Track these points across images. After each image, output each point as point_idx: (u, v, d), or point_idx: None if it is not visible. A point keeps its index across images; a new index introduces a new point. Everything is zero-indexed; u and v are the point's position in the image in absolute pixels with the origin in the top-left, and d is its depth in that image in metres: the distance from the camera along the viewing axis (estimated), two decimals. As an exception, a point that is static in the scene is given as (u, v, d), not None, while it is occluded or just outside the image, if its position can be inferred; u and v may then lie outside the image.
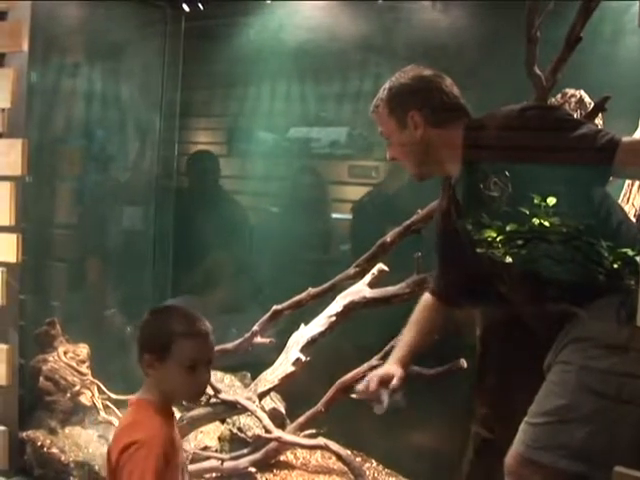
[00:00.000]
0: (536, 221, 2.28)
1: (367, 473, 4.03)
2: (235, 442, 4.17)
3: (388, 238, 3.85)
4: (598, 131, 2.30)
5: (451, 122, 2.61)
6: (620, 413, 2.01)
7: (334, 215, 5.05)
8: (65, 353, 4.16)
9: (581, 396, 2.12)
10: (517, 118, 2.41)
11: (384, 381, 2.78)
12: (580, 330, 2.23)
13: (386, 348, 3.77)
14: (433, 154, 2.62)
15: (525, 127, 2.39)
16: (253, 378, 4.38)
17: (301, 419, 4.00)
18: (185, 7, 5.20)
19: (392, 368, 2.84)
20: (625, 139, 2.21)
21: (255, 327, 4.29)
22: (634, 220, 2.92)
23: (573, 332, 2.25)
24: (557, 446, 2.11)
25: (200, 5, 5.17)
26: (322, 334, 4.03)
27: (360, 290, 3.98)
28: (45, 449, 3.84)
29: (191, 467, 3.81)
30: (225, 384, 4.39)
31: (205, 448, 4.03)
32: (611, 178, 2.48)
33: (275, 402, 4.34)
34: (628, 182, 3.10)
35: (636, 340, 1.98)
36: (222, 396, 3.89)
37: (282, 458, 4.15)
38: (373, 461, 4.23)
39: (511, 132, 2.42)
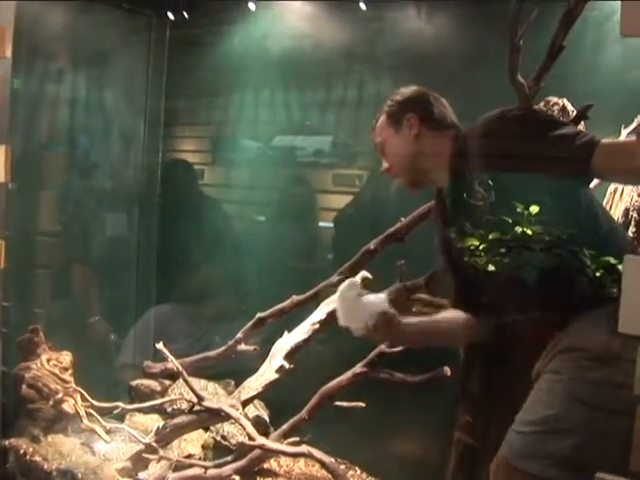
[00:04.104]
0: (519, 229, 2.29)
1: (351, 481, 4.06)
2: (218, 450, 4.16)
3: (372, 246, 3.86)
4: (578, 132, 2.31)
5: (444, 129, 2.70)
6: (610, 424, 2.00)
7: (319, 224, 5.06)
8: (48, 361, 4.14)
9: (571, 406, 2.11)
10: (498, 121, 2.43)
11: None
12: (571, 340, 2.22)
13: (370, 355, 3.78)
14: (426, 158, 2.68)
15: (506, 129, 2.41)
16: (237, 386, 4.38)
17: (285, 427, 3.99)
18: (170, 15, 5.20)
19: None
20: (605, 140, 2.22)
21: (239, 335, 4.30)
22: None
23: (564, 341, 2.24)
24: (545, 455, 2.11)
25: (185, 14, 5.17)
26: (306, 342, 4.04)
27: (344, 298, 3.99)
28: (28, 457, 3.81)
29: (174, 475, 3.81)
30: (209, 392, 4.38)
31: (189, 456, 4.02)
32: (593, 184, 2.49)
33: (259, 409, 4.35)
34: (610, 190, 3.12)
35: (625, 349, 1.98)
36: (206, 404, 3.89)
37: (265, 466, 4.15)
38: (357, 469, 4.23)
39: (492, 135, 2.43)
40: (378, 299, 2.59)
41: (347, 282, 2.65)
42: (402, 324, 2.61)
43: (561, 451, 2.08)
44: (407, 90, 2.81)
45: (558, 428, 2.11)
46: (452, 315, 2.83)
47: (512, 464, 2.20)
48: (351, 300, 2.59)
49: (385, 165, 2.80)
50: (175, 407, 4.33)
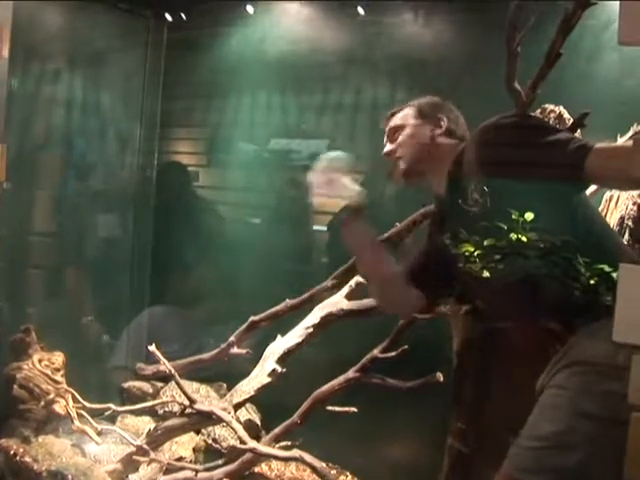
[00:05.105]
0: (513, 236, 2.28)
1: (342, 486, 4.05)
2: (210, 453, 4.16)
3: (366, 250, 3.85)
4: (572, 137, 2.30)
5: (458, 141, 2.71)
6: (618, 437, 1.98)
7: (313, 227, 5.06)
8: (40, 361, 4.13)
9: (577, 422, 2.09)
10: (493, 128, 2.43)
11: None
12: (576, 354, 2.20)
13: (363, 360, 3.78)
14: (434, 161, 2.70)
15: (500, 136, 2.41)
16: (229, 389, 4.37)
17: (276, 430, 3.98)
18: (168, 17, 5.20)
19: None
20: (599, 145, 2.21)
21: (232, 338, 4.29)
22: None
23: (569, 355, 2.22)
24: (551, 470, 2.09)
25: (183, 15, 5.16)
26: (299, 345, 4.04)
27: (337, 302, 4.00)
28: (18, 458, 3.80)
29: (165, 478, 3.80)
30: (201, 395, 4.38)
31: (179, 459, 4.01)
32: (589, 191, 2.49)
33: (250, 413, 4.34)
34: (606, 198, 3.12)
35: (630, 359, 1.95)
36: (197, 406, 3.87)
37: (257, 469, 4.14)
38: (348, 474, 4.22)
39: (488, 143, 2.43)
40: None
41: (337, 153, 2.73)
42: (367, 227, 2.79)
43: (568, 467, 2.06)
44: (438, 98, 2.86)
45: (564, 443, 2.09)
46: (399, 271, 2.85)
47: (517, 479, 2.18)
48: (337, 174, 2.66)
49: (391, 147, 2.80)
50: (167, 409, 4.33)
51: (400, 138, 2.78)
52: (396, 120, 2.82)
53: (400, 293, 2.80)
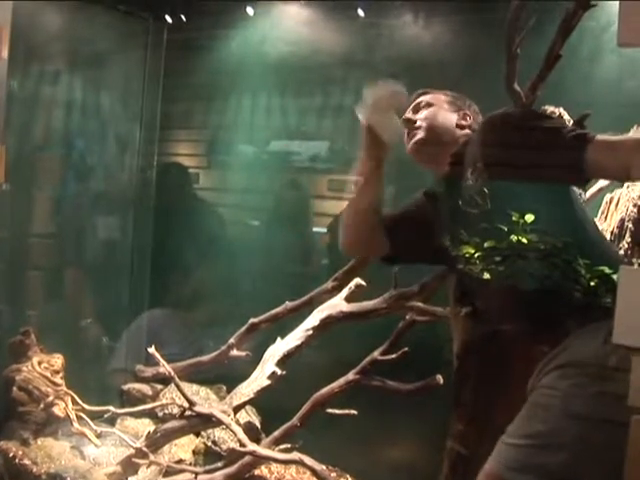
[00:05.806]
0: (514, 238, 2.27)
1: (342, 488, 4.04)
2: (209, 455, 4.14)
3: (366, 252, 3.85)
4: (574, 128, 2.31)
5: None
6: (606, 437, 1.97)
7: (313, 229, 5.06)
8: (39, 363, 4.12)
9: (565, 422, 2.09)
10: (499, 117, 2.46)
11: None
12: (568, 356, 2.20)
13: (363, 363, 3.77)
14: (449, 146, 2.77)
15: (505, 124, 2.43)
16: (229, 391, 4.36)
17: (276, 433, 3.97)
18: (168, 18, 5.19)
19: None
20: (600, 136, 2.20)
21: (231, 340, 4.29)
22: (610, 236, 2.95)
23: (561, 357, 2.21)
24: (536, 469, 2.09)
25: (183, 17, 5.16)
26: (298, 348, 4.03)
27: (337, 304, 3.98)
28: (17, 460, 3.79)
29: (164, 480, 3.80)
30: (200, 397, 4.37)
31: (179, 461, 4.00)
32: (590, 192, 2.48)
33: (250, 416, 4.33)
34: (606, 199, 3.11)
35: (623, 361, 1.95)
36: (197, 409, 3.87)
37: (256, 472, 4.12)
38: (348, 477, 4.20)
39: (488, 139, 2.45)
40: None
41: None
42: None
43: (554, 466, 2.05)
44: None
45: (552, 443, 2.09)
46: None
47: (501, 476, 2.18)
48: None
49: (414, 115, 2.88)
50: (166, 412, 4.32)
51: (427, 113, 2.86)
52: (426, 98, 2.90)
53: (369, 228, 2.95)
